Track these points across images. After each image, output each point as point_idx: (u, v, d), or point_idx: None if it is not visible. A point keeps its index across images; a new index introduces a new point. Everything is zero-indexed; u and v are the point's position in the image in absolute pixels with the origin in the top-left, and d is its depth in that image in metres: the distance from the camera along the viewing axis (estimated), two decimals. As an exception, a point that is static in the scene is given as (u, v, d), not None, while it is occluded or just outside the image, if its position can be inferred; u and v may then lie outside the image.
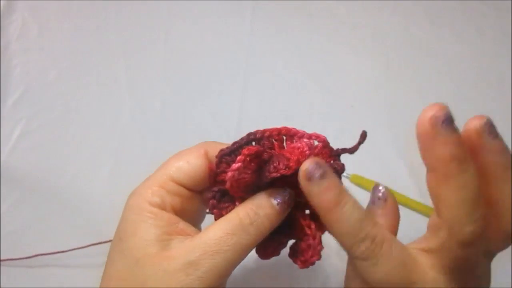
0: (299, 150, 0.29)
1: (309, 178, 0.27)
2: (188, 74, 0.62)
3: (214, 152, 0.31)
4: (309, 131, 0.32)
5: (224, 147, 0.31)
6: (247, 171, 0.29)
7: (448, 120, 0.25)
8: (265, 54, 0.64)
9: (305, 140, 0.31)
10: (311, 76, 0.62)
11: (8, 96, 0.59)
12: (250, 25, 0.66)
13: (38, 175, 0.54)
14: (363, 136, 0.31)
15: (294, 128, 0.31)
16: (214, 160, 0.31)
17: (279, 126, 0.31)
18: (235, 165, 0.28)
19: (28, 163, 0.55)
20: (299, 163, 0.28)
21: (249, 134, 0.30)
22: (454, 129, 0.25)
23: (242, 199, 0.30)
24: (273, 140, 0.31)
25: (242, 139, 0.30)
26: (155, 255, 0.28)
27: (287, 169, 0.28)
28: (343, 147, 0.31)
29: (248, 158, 0.28)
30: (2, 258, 0.48)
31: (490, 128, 0.26)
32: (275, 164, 0.28)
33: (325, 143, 0.31)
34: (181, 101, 0.60)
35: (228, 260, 0.28)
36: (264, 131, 0.30)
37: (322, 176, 0.27)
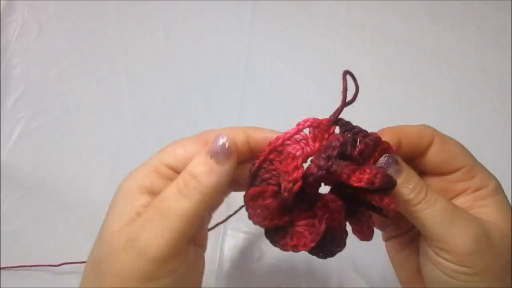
0: (290, 158, 0.28)
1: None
2: (188, 74, 0.62)
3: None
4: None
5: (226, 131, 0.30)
6: (263, 209, 0.28)
7: None
8: (265, 54, 0.64)
9: (293, 141, 0.29)
10: (311, 76, 0.62)
11: (8, 96, 0.59)
12: (250, 25, 0.66)
13: (38, 175, 0.54)
14: (344, 77, 0.31)
15: (279, 135, 0.30)
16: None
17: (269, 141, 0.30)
18: (253, 217, 0.28)
19: (28, 163, 0.55)
20: (297, 169, 0.27)
21: (249, 170, 0.30)
22: None
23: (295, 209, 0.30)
24: (271, 160, 0.30)
25: (248, 177, 0.30)
26: (113, 234, 0.28)
27: (291, 184, 0.27)
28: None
29: (251, 202, 0.28)
30: (31, 264, 0.48)
31: None
32: (282, 186, 0.28)
33: (316, 124, 0.30)
34: (181, 101, 0.60)
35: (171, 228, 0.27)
36: (258, 157, 0.29)
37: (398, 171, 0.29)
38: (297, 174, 0.27)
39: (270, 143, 0.29)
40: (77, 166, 0.55)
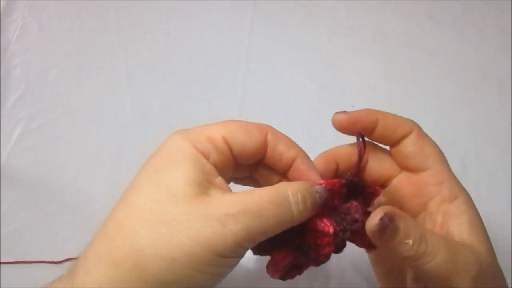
0: (321, 232, 0.29)
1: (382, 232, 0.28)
2: (188, 73, 0.62)
3: (272, 138, 0.31)
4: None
5: (283, 139, 0.32)
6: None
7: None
8: (265, 53, 0.64)
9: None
10: (311, 76, 0.62)
11: (8, 96, 0.59)
12: (250, 25, 0.66)
13: (38, 175, 0.54)
14: (358, 140, 0.32)
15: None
16: (269, 145, 0.31)
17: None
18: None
19: (28, 163, 0.55)
20: (329, 246, 0.29)
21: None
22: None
23: None
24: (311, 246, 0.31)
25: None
26: (193, 196, 0.27)
27: (323, 258, 0.30)
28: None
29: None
30: (33, 260, 0.48)
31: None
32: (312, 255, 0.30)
33: (329, 187, 0.30)
34: (181, 101, 0.60)
35: (265, 228, 0.27)
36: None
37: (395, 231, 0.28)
38: (329, 249, 0.29)
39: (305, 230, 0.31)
40: (77, 166, 0.55)
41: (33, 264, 0.48)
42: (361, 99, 0.59)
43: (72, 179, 0.54)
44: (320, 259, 0.30)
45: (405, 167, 0.33)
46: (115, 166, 0.55)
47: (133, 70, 0.62)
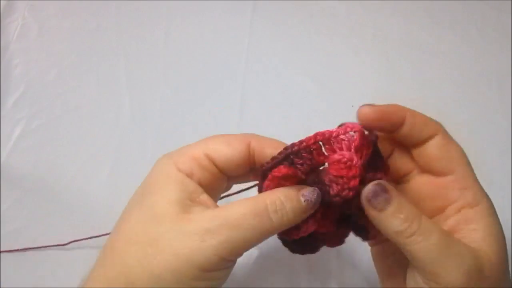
0: (346, 164, 0.29)
1: (373, 206, 0.28)
2: (188, 74, 0.62)
3: (257, 145, 0.32)
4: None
5: (268, 142, 0.32)
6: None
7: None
8: (265, 54, 0.64)
9: (344, 144, 0.30)
10: (311, 76, 0.62)
11: (8, 96, 0.59)
12: (250, 25, 0.66)
13: (38, 175, 0.54)
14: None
15: (327, 131, 0.30)
16: (255, 152, 0.32)
17: (312, 133, 0.31)
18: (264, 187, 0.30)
19: (28, 163, 0.55)
20: (354, 179, 0.28)
21: (286, 149, 0.30)
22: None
23: None
24: (311, 149, 0.30)
25: (280, 153, 0.30)
26: (174, 214, 0.28)
27: (347, 191, 0.29)
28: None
29: (276, 180, 0.29)
30: (37, 246, 0.48)
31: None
32: (333, 189, 0.29)
33: (361, 133, 0.30)
34: (181, 101, 0.60)
35: (245, 239, 0.28)
36: (300, 142, 0.30)
37: (387, 202, 0.28)
38: (355, 183, 0.28)
39: (317, 134, 0.30)
40: (77, 166, 0.55)
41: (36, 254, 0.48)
42: (361, 99, 0.59)
43: (72, 179, 0.54)
44: (342, 195, 0.29)
45: (427, 169, 0.32)
46: (115, 166, 0.55)
47: (133, 70, 0.62)
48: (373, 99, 0.63)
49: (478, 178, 0.32)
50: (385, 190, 0.28)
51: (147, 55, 0.64)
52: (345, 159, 0.28)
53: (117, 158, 0.55)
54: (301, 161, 0.30)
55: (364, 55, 0.64)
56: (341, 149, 0.29)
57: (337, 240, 0.33)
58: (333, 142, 0.30)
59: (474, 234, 0.29)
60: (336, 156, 0.29)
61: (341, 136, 0.30)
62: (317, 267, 0.48)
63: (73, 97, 0.60)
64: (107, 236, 0.31)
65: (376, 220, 0.29)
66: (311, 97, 0.60)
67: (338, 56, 0.64)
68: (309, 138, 0.30)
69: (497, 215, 0.30)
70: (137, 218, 0.30)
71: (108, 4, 0.67)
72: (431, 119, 0.32)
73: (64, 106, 0.59)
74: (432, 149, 0.31)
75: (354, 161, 0.28)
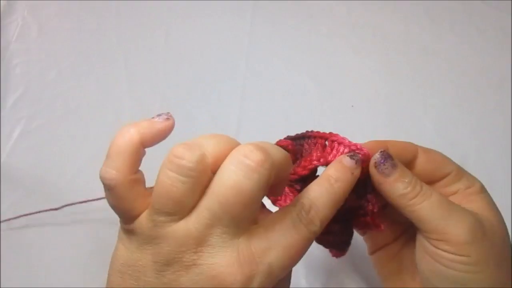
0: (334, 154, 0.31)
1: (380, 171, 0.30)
2: (188, 74, 0.62)
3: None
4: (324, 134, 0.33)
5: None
6: None
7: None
8: (265, 54, 0.64)
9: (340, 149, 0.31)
10: (311, 76, 0.62)
11: (8, 96, 0.59)
12: (250, 25, 0.66)
13: (38, 175, 0.54)
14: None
15: (339, 137, 0.32)
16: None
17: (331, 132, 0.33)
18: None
19: (28, 163, 0.55)
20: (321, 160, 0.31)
21: (306, 131, 0.33)
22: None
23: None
24: (317, 142, 0.32)
25: (297, 134, 0.34)
26: None
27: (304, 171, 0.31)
28: None
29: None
30: (31, 212, 0.49)
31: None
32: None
33: (366, 157, 0.31)
34: (181, 101, 0.60)
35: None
36: (312, 133, 0.33)
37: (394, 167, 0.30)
38: (324, 162, 0.31)
39: (327, 135, 0.32)
40: (77, 166, 0.55)
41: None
42: (361, 99, 0.59)
43: (72, 179, 0.54)
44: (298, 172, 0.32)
45: (425, 182, 0.33)
46: (115, 166, 0.55)
47: (133, 70, 0.62)
48: (373, 99, 0.63)
49: (478, 178, 0.33)
50: (391, 157, 0.30)
51: (147, 55, 0.64)
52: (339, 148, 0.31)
53: (117, 158, 0.55)
54: (306, 146, 0.32)
55: (364, 55, 0.64)
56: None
57: (342, 242, 0.34)
58: (335, 146, 0.32)
59: (472, 204, 0.31)
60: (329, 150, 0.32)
61: (342, 148, 0.31)
62: (317, 267, 0.48)
63: (73, 97, 0.60)
64: (99, 200, 0.31)
65: (382, 186, 0.30)
66: (311, 97, 0.60)
67: (338, 56, 0.64)
68: (321, 134, 0.32)
69: (488, 193, 0.33)
70: (121, 245, 0.30)
71: (108, 4, 0.67)
72: (406, 143, 0.34)
73: (64, 106, 0.59)
74: (422, 166, 0.33)
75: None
